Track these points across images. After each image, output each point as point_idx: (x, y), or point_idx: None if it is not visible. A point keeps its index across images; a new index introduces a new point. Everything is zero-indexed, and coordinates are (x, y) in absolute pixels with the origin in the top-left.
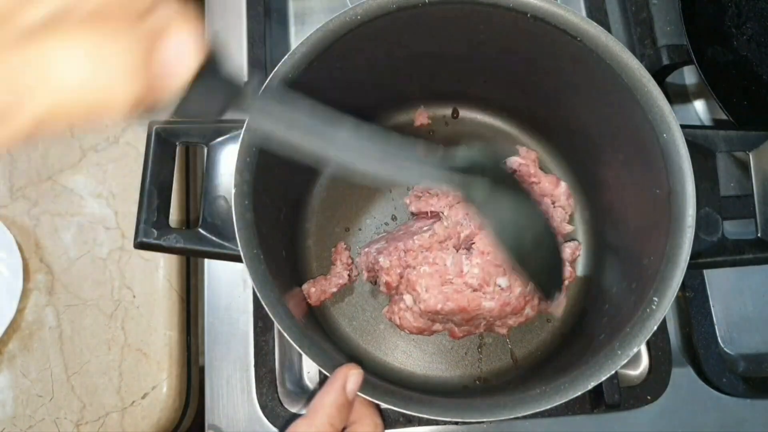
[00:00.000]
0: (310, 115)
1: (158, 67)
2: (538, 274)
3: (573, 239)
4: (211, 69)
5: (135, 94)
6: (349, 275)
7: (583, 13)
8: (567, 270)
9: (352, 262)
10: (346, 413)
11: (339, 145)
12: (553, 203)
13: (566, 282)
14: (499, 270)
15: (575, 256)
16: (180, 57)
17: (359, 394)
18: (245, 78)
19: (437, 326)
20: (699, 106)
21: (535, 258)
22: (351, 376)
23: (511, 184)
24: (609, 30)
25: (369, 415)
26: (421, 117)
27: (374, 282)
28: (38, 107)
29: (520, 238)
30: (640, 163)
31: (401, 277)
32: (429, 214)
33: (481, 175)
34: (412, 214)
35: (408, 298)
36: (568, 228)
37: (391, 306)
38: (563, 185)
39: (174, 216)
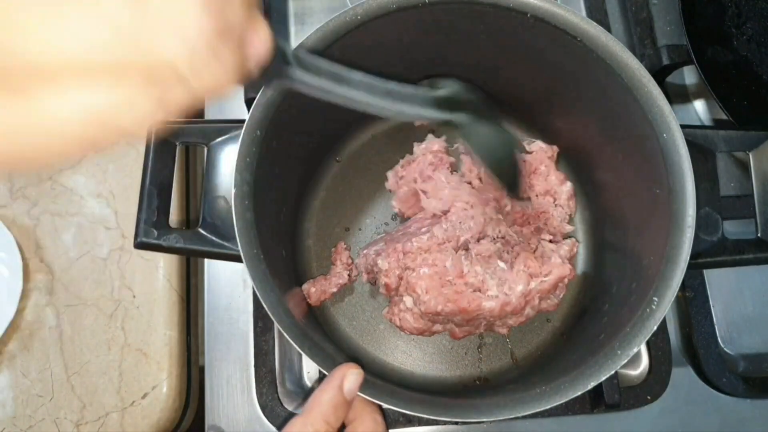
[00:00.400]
0: (332, 66)
1: (246, 58)
2: (506, 180)
3: (571, 237)
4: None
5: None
6: (349, 275)
7: (583, 13)
8: (566, 268)
9: (352, 262)
10: (343, 412)
11: (355, 84)
12: (554, 201)
13: (566, 280)
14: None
15: (573, 254)
16: (261, 55)
17: (359, 394)
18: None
19: (437, 327)
20: (699, 106)
21: (505, 169)
22: (349, 376)
23: (488, 113)
24: (609, 30)
25: (369, 412)
26: None
27: (374, 283)
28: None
29: (495, 156)
30: (640, 162)
31: (400, 279)
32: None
33: (463, 107)
34: (398, 215)
35: (408, 300)
36: (568, 228)
37: (391, 307)
38: (568, 185)
39: (174, 216)
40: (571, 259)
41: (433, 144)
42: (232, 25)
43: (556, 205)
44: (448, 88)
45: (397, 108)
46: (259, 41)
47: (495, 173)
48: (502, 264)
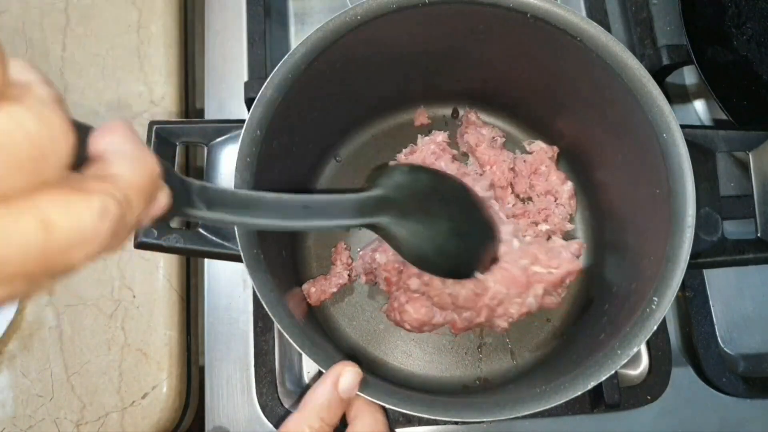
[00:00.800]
0: (237, 200)
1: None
2: (451, 271)
3: (574, 238)
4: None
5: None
6: (349, 275)
7: (583, 13)
8: (576, 264)
9: (352, 262)
10: (338, 410)
11: (266, 207)
12: (555, 200)
13: (571, 279)
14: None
15: (579, 253)
16: (156, 211)
17: (359, 393)
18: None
19: (438, 318)
20: (699, 106)
21: (451, 259)
22: (345, 374)
23: (427, 202)
24: (609, 30)
25: (370, 411)
26: (421, 117)
27: (374, 283)
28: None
29: (427, 250)
30: (640, 163)
31: (400, 272)
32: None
33: (389, 209)
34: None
35: (414, 282)
36: (569, 226)
37: (391, 303)
38: (569, 184)
39: None
40: (579, 257)
41: (437, 136)
42: (135, 222)
43: (557, 204)
44: (385, 183)
45: (313, 224)
46: (158, 206)
47: (426, 269)
48: (516, 242)
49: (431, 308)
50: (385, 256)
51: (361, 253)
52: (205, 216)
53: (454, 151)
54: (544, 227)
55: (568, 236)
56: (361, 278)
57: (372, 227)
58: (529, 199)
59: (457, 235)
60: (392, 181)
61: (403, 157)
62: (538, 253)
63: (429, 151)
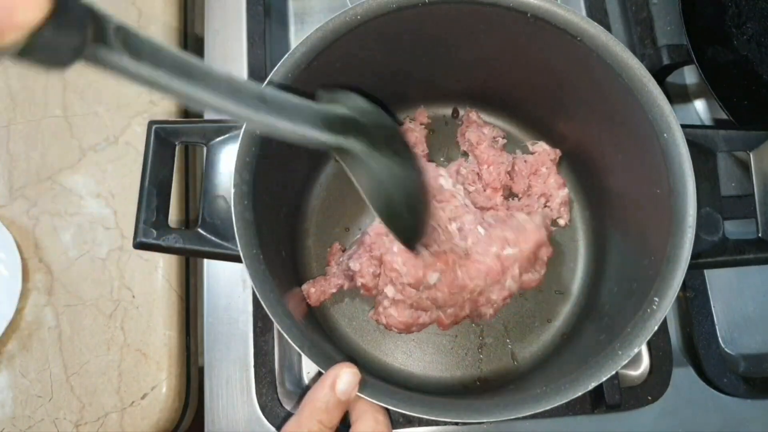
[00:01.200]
0: (177, 59)
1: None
2: (401, 229)
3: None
4: (61, 17)
5: None
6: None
7: (583, 13)
8: (541, 232)
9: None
10: (337, 412)
11: (209, 82)
12: (546, 202)
13: (546, 256)
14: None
15: (556, 217)
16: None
17: (359, 394)
18: (245, 76)
19: (423, 318)
20: (699, 105)
21: (406, 217)
22: (342, 375)
23: (392, 143)
24: (609, 30)
25: (371, 412)
26: (421, 117)
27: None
28: None
29: (393, 197)
30: (641, 162)
31: (376, 276)
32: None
33: (359, 134)
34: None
35: (390, 290)
36: (551, 228)
37: (376, 308)
38: (565, 191)
39: (173, 216)
40: (550, 227)
41: (411, 134)
42: None
43: (545, 206)
44: (346, 104)
45: (269, 121)
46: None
47: (391, 220)
48: (481, 230)
49: (415, 310)
50: (358, 262)
51: (340, 260)
52: (126, 66)
53: (426, 151)
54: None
55: (572, 227)
56: (345, 285)
57: (340, 151)
58: (518, 197)
59: (414, 191)
60: (355, 104)
61: None
62: (506, 234)
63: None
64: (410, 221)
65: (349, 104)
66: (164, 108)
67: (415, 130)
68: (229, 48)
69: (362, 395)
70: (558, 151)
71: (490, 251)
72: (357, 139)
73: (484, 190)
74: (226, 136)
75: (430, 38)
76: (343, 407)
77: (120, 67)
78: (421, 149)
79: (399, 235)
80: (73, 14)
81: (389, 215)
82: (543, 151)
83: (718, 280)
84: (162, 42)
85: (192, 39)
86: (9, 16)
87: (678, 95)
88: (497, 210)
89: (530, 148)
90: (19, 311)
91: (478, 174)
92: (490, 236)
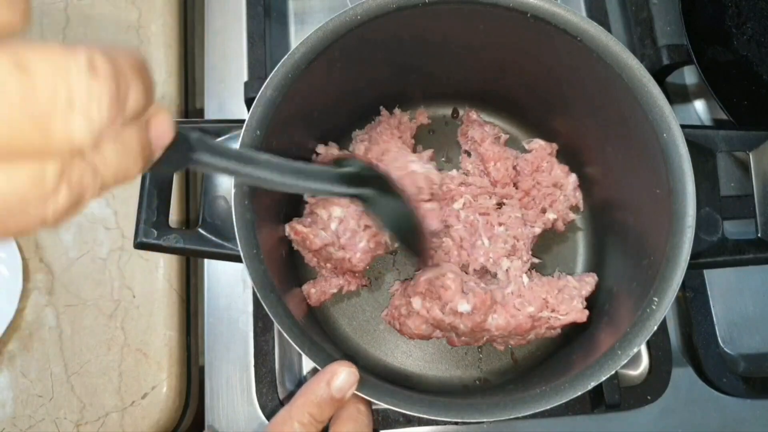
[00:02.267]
0: (237, 150)
1: (149, 142)
2: (411, 246)
3: (579, 229)
4: (177, 139)
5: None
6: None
7: (583, 13)
8: (584, 314)
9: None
10: (328, 409)
11: (261, 165)
12: (561, 191)
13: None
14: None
15: (593, 288)
16: (164, 137)
17: (358, 393)
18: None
19: (437, 333)
20: (699, 105)
21: (413, 239)
22: (340, 373)
23: (389, 188)
24: (609, 30)
25: (352, 402)
26: (421, 117)
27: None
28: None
29: (402, 226)
30: (640, 162)
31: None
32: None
33: (368, 183)
34: None
35: (416, 302)
36: (572, 216)
37: (391, 311)
38: (573, 176)
39: (174, 216)
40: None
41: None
42: (131, 104)
43: (562, 194)
44: (352, 166)
45: (305, 185)
46: (161, 125)
47: (404, 243)
48: (525, 279)
49: (431, 326)
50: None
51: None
52: (210, 162)
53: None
54: (551, 216)
55: (572, 227)
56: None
57: (359, 198)
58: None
59: (411, 218)
60: (358, 165)
61: (359, 132)
62: (548, 297)
63: (383, 129)
64: (414, 240)
65: (355, 164)
66: (165, 108)
67: (402, 122)
68: (229, 48)
69: (362, 395)
70: (554, 145)
71: (526, 309)
72: (367, 188)
73: (494, 186)
74: (227, 136)
75: (430, 38)
76: (336, 404)
77: (204, 162)
78: (407, 142)
79: (411, 251)
80: (182, 140)
81: (401, 237)
82: (540, 147)
83: (717, 280)
84: (221, 143)
85: (192, 39)
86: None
87: (678, 95)
88: (512, 198)
89: (526, 146)
90: (19, 311)
91: (483, 171)
92: (532, 291)
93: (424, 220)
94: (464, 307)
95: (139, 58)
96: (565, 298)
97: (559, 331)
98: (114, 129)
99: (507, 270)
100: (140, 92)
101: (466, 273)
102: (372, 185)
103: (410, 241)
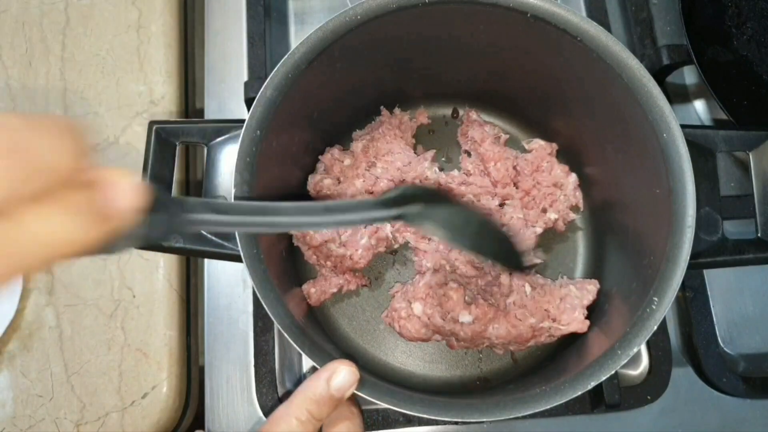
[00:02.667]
0: (253, 207)
1: (108, 211)
2: (499, 257)
3: (579, 229)
4: (156, 204)
5: (87, 239)
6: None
7: (583, 13)
8: (585, 324)
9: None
10: (327, 407)
11: (284, 212)
12: (562, 190)
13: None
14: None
15: (594, 296)
16: (123, 200)
17: (358, 393)
18: (245, 78)
19: (436, 337)
20: (699, 105)
21: (492, 245)
22: (339, 371)
23: (441, 198)
24: (609, 30)
25: (345, 403)
26: (421, 117)
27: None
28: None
29: (469, 232)
30: (640, 162)
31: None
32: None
33: (413, 200)
34: None
35: (417, 307)
36: (572, 216)
37: (391, 312)
38: (574, 176)
39: None
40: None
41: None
42: (46, 169)
43: (563, 194)
44: (395, 191)
45: (338, 219)
46: (116, 187)
47: (481, 253)
48: (528, 289)
49: (431, 330)
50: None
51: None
52: (216, 220)
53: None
54: (551, 215)
55: (572, 227)
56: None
57: (403, 218)
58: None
59: (481, 223)
60: (401, 188)
61: (359, 132)
62: (549, 307)
63: (385, 129)
64: (497, 247)
65: (397, 189)
66: (164, 108)
67: (403, 122)
68: (229, 48)
69: (363, 394)
70: (554, 145)
71: (527, 321)
72: (412, 204)
73: (495, 186)
74: (227, 136)
75: (429, 38)
76: (334, 403)
77: (208, 221)
78: (409, 142)
79: (500, 262)
80: (169, 203)
81: (472, 248)
82: (540, 147)
83: (717, 280)
84: (242, 202)
85: (192, 39)
86: (112, 208)
87: (678, 95)
88: (513, 199)
89: (526, 146)
90: (19, 311)
91: (483, 171)
92: (534, 301)
93: (502, 225)
94: (466, 318)
95: (63, 125)
96: (567, 308)
97: (555, 340)
98: (36, 195)
99: (510, 274)
100: (60, 157)
101: (469, 274)
102: (418, 200)
103: (489, 246)
